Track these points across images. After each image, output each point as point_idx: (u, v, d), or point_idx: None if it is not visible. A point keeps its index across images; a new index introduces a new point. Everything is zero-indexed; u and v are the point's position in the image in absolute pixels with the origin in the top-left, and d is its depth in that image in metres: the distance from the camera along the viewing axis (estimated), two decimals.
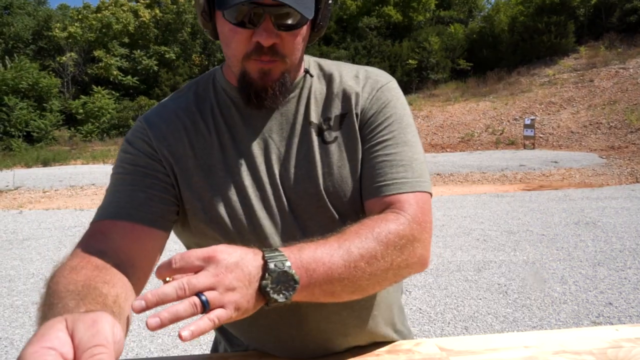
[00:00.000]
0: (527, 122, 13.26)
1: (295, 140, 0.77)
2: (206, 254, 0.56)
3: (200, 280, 0.53)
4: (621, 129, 12.54)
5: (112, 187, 0.76)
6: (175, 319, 0.50)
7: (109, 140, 21.68)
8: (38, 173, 13.47)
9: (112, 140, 21.56)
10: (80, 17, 27.37)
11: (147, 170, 0.75)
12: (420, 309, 3.18)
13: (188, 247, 0.82)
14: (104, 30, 26.67)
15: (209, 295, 0.53)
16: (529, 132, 13.11)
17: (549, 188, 7.86)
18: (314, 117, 0.78)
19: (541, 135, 13.73)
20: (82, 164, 16.07)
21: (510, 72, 19.57)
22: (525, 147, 13.21)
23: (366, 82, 0.81)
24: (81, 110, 23.51)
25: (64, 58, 25.68)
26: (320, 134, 0.78)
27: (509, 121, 15.35)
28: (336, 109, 0.79)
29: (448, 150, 14.15)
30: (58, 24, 26.86)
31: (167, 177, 0.76)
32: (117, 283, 0.62)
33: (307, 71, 0.81)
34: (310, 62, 0.83)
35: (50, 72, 24.77)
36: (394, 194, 0.74)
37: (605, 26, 19.32)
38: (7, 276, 4.31)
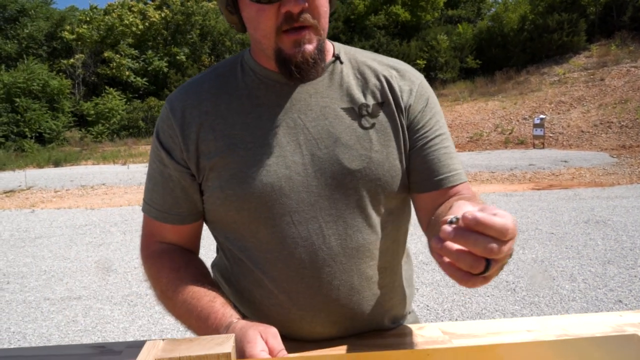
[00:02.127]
0: (537, 121, 13.16)
1: (327, 123, 0.77)
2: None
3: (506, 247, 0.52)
4: (633, 128, 12.40)
5: (149, 177, 0.85)
6: (455, 259, 0.51)
7: (119, 141, 21.86)
8: (50, 173, 13.65)
9: (122, 140, 21.74)
10: (88, 19, 27.67)
11: (172, 172, 0.80)
12: (427, 305, 3.18)
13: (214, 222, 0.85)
14: (112, 32, 26.94)
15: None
16: (539, 132, 13.00)
17: (558, 187, 7.79)
18: (348, 102, 0.79)
19: (551, 135, 13.62)
20: (93, 164, 16.25)
21: (519, 71, 19.42)
22: (534, 146, 13.11)
23: (404, 76, 0.83)
24: (92, 112, 23.75)
25: (72, 60, 25.96)
26: (357, 119, 0.78)
27: (518, 121, 15.25)
28: (372, 97, 0.80)
29: (457, 150, 14.04)
30: (68, 26, 27.18)
31: (189, 176, 0.80)
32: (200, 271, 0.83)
33: (337, 57, 0.82)
34: (340, 48, 0.84)
35: (61, 74, 25.04)
36: (460, 184, 0.81)
37: (616, 24, 19.12)
38: (19, 273, 4.38)
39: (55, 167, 16.18)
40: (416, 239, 3.49)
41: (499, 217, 0.49)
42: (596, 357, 0.56)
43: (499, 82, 19.18)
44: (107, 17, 27.34)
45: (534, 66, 19.39)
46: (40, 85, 22.83)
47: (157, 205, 0.83)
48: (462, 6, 27.84)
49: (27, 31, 27.20)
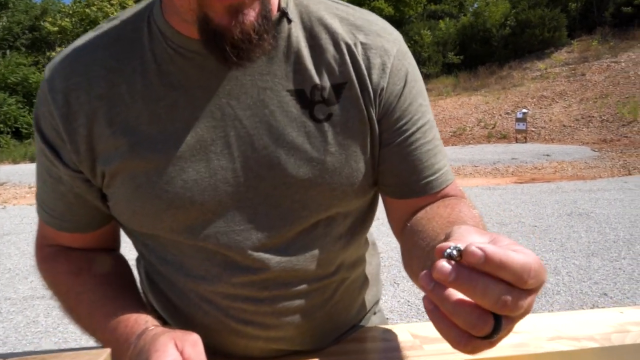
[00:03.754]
0: (519, 115, 13.18)
1: (266, 113, 0.56)
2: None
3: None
4: (613, 122, 12.50)
5: (37, 172, 0.65)
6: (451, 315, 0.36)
7: None
8: (25, 169, 13.22)
9: None
10: (71, 12, 27.02)
11: (62, 174, 0.61)
12: (408, 301, 3.06)
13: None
14: (94, 25, 26.29)
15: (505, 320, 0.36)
16: (521, 126, 13.02)
17: (541, 181, 7.77)
18: (297, 83, 0.57)
19: (533, 129, 13.67)
20: None
21: (502, 66, 19.50)
22: (517, 140, 13.14)
23: (374, 43, 0.60)
24: None
25: (53, 53, 25.30)
26: (308, 107, 0.58)
27: (500, 115, 15.28)
28: (329, 76, 0.58)
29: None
30: (50, 19, 26.52)
31: (84, 182, 0.60)
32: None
33: (284, 12, 0.58)
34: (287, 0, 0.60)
35: (41, 68, 24.39)
36: (447, 186, 0.64)
37: (597, 20, 19.30)
38: None
39: (31, 162, 15.72)
40: None
41: (519, 253, 0.34)
42: None
43: (481, 77, 19.23)
44: (88, 9, 26.69)
45: (516, 61, 19.48)
46: (18, 79, 22.17)
47: (48, 209, 0.65)
48: (445, 1, 27.86)
49: (3, 24, 26.39)
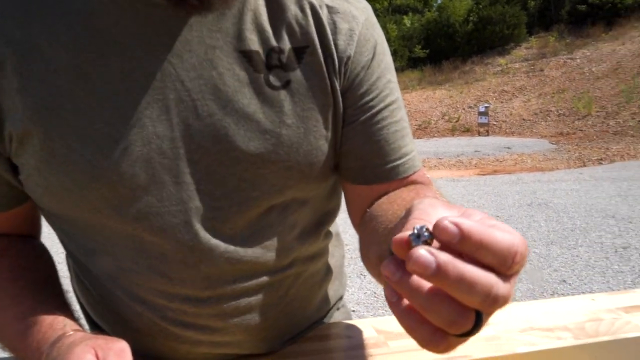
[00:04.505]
0: (482, 109, 13.48)
1: (214, 75, 0.49)
2: None
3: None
4: (569, 116, 12.96)
5: None
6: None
7: None
8: None
9: None
10: None
11: None
12: (375, 293, 3.04)
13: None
14: None
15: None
16: (483, 120, 13.33)
17: (502, 172, 7.97)
18: (251, 43, 0.50)
19: (495, 123, 14.01)
20: None
21: (465, 61, 19.89)
22: (479, 134, 13.45)
23: (341, 7, 0.54)
24: None
25: None
26: (263, 71, 0.51)
27: (464, 109, 15.59)
28: (290, 39, 0.51)
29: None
30: None
31: None
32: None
33: None
34: None
35: None
36: (414, 173, 0.58)
37: (554, 18, 19.95)
38: None
39: None
40: None
41: (503, 232, 0.28)
42: None
43: (446, 71, 19.56)
44: None
45: (478, 56, 19.91)
46: None
47: None
48: None
49: None
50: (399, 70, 21.48)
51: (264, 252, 0.54)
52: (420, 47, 22.22)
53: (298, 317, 0.62)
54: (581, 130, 11.83)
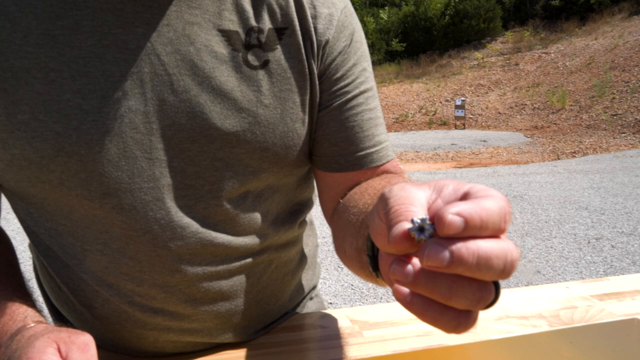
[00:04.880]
0: (458, 103, 13.65)
1: (191, 51, 0.48)
2: None
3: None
4: (543, 110, 13.22)
5: None
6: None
7: None
8: None
9: None
10: None
11: None
12: (352, 285, 3.04)
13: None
14: None
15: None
16: (460, 113, 13.50)
17: (478, 165, 8.09)
18: (231, 22, 0.50)
19: (471, 116, 14.20)
20: None
21: (442, 55, 20.08)
22: (456, 127, 13.62)
23: None
24: None
25: None
26: (241, 50, 0.50)
27: (441, 102, 15.75)
28: (270, 19, 0.51)
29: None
30: None
31: None
32: None
33: None
34: None
35: None
36: (387, 162, 0.58)
37: (529, 12, 20.29)
38: None
39: None
40: None
41: (489, 199, 0.28)
42: (597, 349, 0.47)
43: (423, 65, 19.72)
44: None
45: (455, 50, 20.13)
46: None
47: None
48: None
49: None
50: (376, 63, 21.57)
51: (237, 237, 0.53)
52: (397, 40, 22.32)
53: (270, 305, 0.61)
54: (555, 124, 12.09)
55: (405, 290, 0.28)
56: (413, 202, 0.29)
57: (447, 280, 0.27)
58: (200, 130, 0.48)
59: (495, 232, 0.27)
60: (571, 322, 0.61)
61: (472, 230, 0.26)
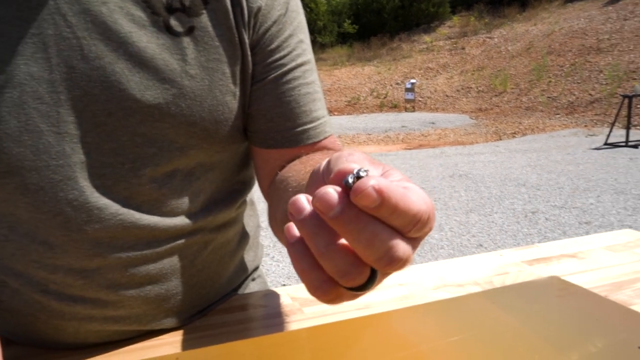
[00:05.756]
0: (408, 86, 13.90)
1: (104, 12, 0.43)
2: None
3: None
4: (487, 92, 13.72)
5: None
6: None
7: None
8: None
9: None
10: None
11: None
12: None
13: None
14: None
15: None
16: (410, 96, 13.76)
17: (427, 146, 8.31)
18: None
19: (420, 99, 14.51)
20: None
21: (392, 38, 20.29)
22: (406, 109, 13.89)
23: None
24: None
25: None
26: (162, 14, 0.46)
27: (392, 85, 15.97)
28: None
29: (335, 113, 14.32)
30: None
31: None
32: None
33: None
34: None
35: None
36: (325, 139, 0.56)
37: None
38: None
39: None
40: None
41: (413, 193, 0.25)
42: (517, 306, 0.48)
43: (374, 48, 19.85)
44: None
45: (405, 33, 20.39)
46: None
47: None
48: None
49: None
50: (328, 46, 21.49)
51: (164, 218, 0.50)
52: (349, 22, 22.30)
53: (207, 288, 0.58)
54: (498, 106, 12.58)
55: (296, 232, 0.27)
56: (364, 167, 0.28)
57: (330, 237, 0.25)
58: (117, 101, 0.44)
59: (401, 227, 0.25)
60: (503, 286, 0.64)
61: (384, 212, 0.24)
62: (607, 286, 0.60)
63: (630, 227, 3.48)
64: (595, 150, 6.72)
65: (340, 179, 0.26)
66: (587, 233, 3.42)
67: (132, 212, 0.47)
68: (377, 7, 21.84)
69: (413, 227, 0.25)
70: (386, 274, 0.28)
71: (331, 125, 0.58)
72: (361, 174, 0.25)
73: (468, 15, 19.89)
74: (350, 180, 0.25)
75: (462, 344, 0.41)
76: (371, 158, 0.33)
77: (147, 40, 0.45)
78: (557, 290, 0.52)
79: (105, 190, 0.46)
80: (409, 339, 0.43)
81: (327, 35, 22.02)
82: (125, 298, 0.49)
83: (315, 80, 0.57)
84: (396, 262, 0.25)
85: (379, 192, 0.24)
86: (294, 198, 0.27)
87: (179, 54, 0.46)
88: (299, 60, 0.54)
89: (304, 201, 0.26)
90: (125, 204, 0.47)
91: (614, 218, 3.71)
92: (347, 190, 0.25)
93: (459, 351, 0.40)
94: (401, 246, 0.25)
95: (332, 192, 0.25)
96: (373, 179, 0.24)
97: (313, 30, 22.23)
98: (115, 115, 0.44)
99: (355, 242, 0.25)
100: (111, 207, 0.46)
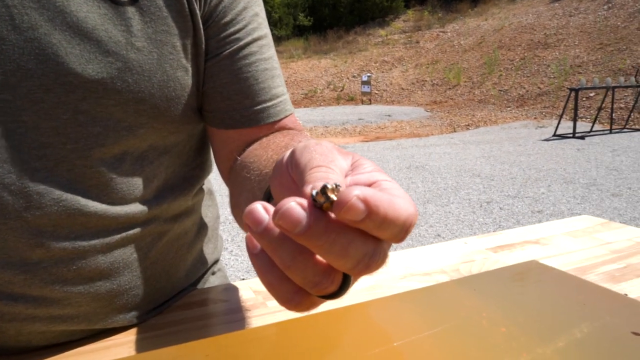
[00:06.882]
0: (364, 79, 14.03)
1: None
2: None
3: None
4: (441, 85, 14.06)
5: None
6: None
7: None
8: None
9: None
10: None
11: None
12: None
13: None
14: None
15: None
16: (366, 89, 13.89)
17: (384, 139, 8.42)
18: None
19: (376, 92, 14.68)
20: None
21: (348, 31, 20.41)
22: (363, 102, 14.01)
23: None
24: None
25: None
26: None
27: (348, 78, 16.06)
28: None
29: (293, 106, 14.28)
30: None
31: None
32: None
33: None
34: None
35: None
36: (286, 117, 0.54)
37: None
38: None
39: None
40: None
41: (401, 199, 0.23)
42: (499, 292, 0.48)
43: (330, 41, 19.89)
44: None
45: (361, 27, 20.55)
46: None
47: None
48: None
49: None
50: (284, 39, 21.34)
51: (113, 206, 0.45)
52: (304, 15, 22.22)
53: (162, 282, 0.54)
54: (452, 99, 12.92)
55: (257, 243, 0.25)
56: (335, 170, 0.26)
57: (295, 248, 0.23)
58: (55, 76, 0.40)
59: (391, 237, 0.23)
60: (470, 274, 0.63)
61: (371, 225, 0.22)
62: (572, 271, 0.61)
63: (579, 215, 3.66)
64: (545, 142, 7.04)
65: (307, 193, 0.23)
66: (540, 221, 3.56)
67: (77, 197, 0.43)
68: (332, 0, 21.86)
69: (405, 235, 0.23)
70: (359, 277, 0.26)
71: (290, 102, 0.56)
72: (328, 186, 0.23)
73: (422, 10, 20.28)
74: (318, 190, 0.23)
75: (446, 333, 0.39)
76: (339, 148, 0.31)
77: (87, 10, 0.40)
78: (537, 275, 0.52)
79: (45, 173, 0.41)
80: (389, 331, 0.41)
81: (282, 28, 21.87)
82: (73, 295, 0.45)
83: (273, 56, 0.54)
84: (374, 268, 0.23)
85: (365, 202, 0.21)
86: (249, 208, 0.24)
87: (123, 24, 0.42)
88: (255, 35, 0.52)
89: (261, 211, 0.24)
90: (69, 189, 0.42)
91: (564, 207, 3.89)
92: (312, 201, 0.23)
93: (443, 340, 0.38)
94: (377, 250, 0.23)
95: (294, 206, 0.22)
96: (357, 189, 0.21)
97: (269, 22, 22.00)
98: (53, 91, 0.40)
99: (327, 254, 0.22)
100: (52, 192, 0.41)
